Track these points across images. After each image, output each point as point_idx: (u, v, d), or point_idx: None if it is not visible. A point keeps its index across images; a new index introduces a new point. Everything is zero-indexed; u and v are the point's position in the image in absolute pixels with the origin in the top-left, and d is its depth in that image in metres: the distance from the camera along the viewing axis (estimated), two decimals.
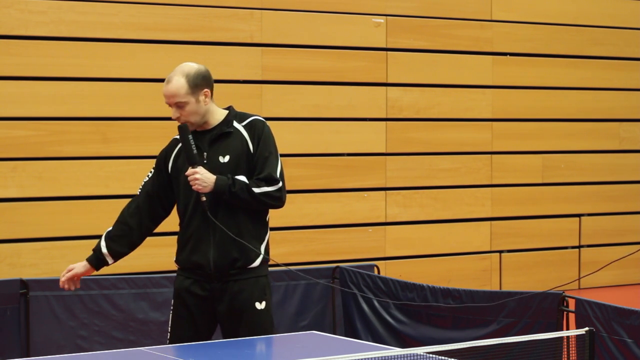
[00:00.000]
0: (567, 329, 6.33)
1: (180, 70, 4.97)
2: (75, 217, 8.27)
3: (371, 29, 9.62)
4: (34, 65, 8.15)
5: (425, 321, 7.15)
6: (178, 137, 5.09)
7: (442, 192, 9.99)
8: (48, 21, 8.20)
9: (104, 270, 8.16)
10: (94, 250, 5.33)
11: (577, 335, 4.37)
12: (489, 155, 10.25)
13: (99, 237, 5.31)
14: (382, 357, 3.98)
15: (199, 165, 4.92)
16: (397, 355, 3.94)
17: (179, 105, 4.95)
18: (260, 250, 5.01)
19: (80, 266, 5.36)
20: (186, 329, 5.03)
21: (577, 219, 10.75)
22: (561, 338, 4.80)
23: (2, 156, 8.05)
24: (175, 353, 4.64)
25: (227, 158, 4.98)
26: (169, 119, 8.45)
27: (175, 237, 5.16)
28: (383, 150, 9.68)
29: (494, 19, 10.28)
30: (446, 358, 4.12)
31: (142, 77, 8.55)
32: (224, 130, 5.02)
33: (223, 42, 8.88)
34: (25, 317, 6.98)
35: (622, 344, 5.94)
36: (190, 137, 4.95)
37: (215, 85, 5.09)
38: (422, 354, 3.97)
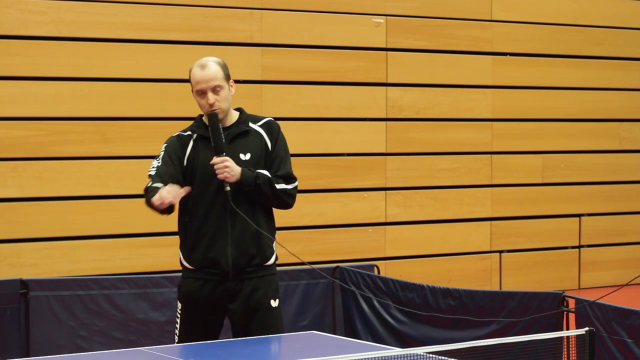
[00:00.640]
0: (567, 329, 6.33)
1: (209, 59, 5.03)
2: (75, 217, 8.27)
3: (371, 29, 9.61)
4: (34, 65, 8.15)
5: (425, 321, 7.15)
6: (185, 133, 5.08)
7: (442, 192, 9.99)
8: (48, 21, 8.20)
9: (104, 270, 8.22)
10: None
11: (577, 335, 4.37)
12: (489, 155, 10.25)
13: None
14: (382, 357, 3.98)
15: (225, 155, 4.94)
16: (397, 355, 3.94)
17: (216, 90, 4.98)
18: (274, 249, 5.08)
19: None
20: (196, 333, 5.00)
21: (577, 219, 10.75)
22: (561, 338, 4.80)
23: (2, 156, 8.05)
24: (175, 353, 4.64)
25: (248, 156, 5.02)
26: (169, 119, 8.52)
27: (176, 237, 5.14)
28: (383, 150, 9.67)
29: (494, 19, 10.28)
30: (446, 358, 4.12)
31: (142, 77, 8.55)
32: (243, 129, 5.06)
33: (223, 42, 8.87)
34: (25, 317, 6.98)
35: (622, 344, 5.94)
36: (220, 126, 4.96)
37: None
38: (422, 354, 3.97)
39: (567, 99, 10.70)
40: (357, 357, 3.84)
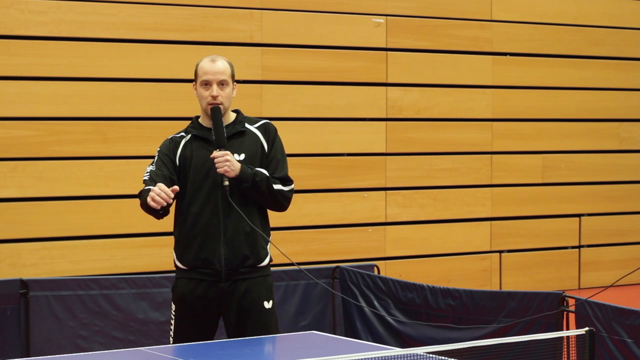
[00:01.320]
0: (567, 329, 6.34)
1: (220, 57, 5.08)
2: (75, 217, 8.27)
3: (371, 29, 9.62)
4: (34, 65, 8.15)
5: (425, 321, 7.15)
6: (177, 134, 5.09)
7: (442, 192, 9.99)
8: (48, 21, 8.20)
9: (104, 270, 8.22)
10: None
11: (577, 335, 4.37)
12: (489, 155, 10.25)
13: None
14: (382, 357, 3.98)
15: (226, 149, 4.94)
16: (397, 355, 3.94)
17: (222, 84, 5.00)
18: (267, 250, 5.07)
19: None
20: (191, 335, 5.00)
21: (577, 219, 10.75)
22: (561, 338, 4.80)
23: (2, 156, 8.05)
24: (175, 353, 4.63)
25: (242, 156, 5.02)
26: (169, 119, 8.52)
27: (175, 238, 5.13)
28: (383, 150, 9.68)
29: (494, 19, 10.28)
30: (446, 358, 4.12)
31: (142, 77, 8.55)
32: (238, 129, 5.06)
33: (223, 42, 8.87)
34: (25, 317, 6.98)
35: (622, 344, 5.94)
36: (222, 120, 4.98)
37: None
38: (422, 354, 3.97)
39: (567, 99, 10.70)
40: (357, 357, 3.84)
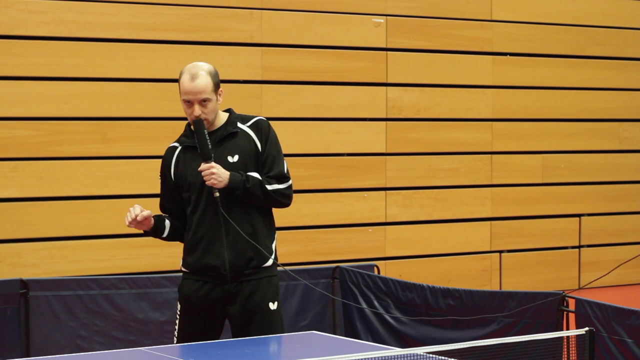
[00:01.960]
0: (567, 329, 6.34)
1: (201, 68, 4.99)
2: (75, 217, 8.27)
3: (371, 29, 9.61)
4: (34, 65, 8.15)
5: (425, 321, 7.15)
6: (174, 145, 5.10)
7: (442, 192, 9.99)
8: (48, 21, 8.20)
9: (104, 270, 8.22)
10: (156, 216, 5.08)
11: (577, 335, 4.37)
12: (489, 155, 10.25)
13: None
14: (382, 357, 3.98)
15: (212, 160, 4.93)
16: (397, 355, 3.94)
17: (204, 102, 4.95)
18: (272, 249, 5.05)
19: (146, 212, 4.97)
20: (195, 335, 5.00)
21: (577, 219, 10.75)
22: (561, 338, 4.80)
23: (2, 156, 8.05)
24: (175, 353, 4.64)
25: (235, 157, 5.00)
26: (169, 119, 8.52)
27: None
28: (383, 150, 9.67)
29: (494, 19, 10.28)
30: (446, 358, 4.12)
31: (142, 77, 8.55)
32: (230, 131, 5.03)
33: (223, 42, 8.87)
34: (25, 317, 6.98)
35: (622, 344, 5.94)
36: (206, 132, 4.95)
37: None
38: (422, 354, 3.97)
39: (567, 99, 10.70)
40: (357, 357, 3.84)
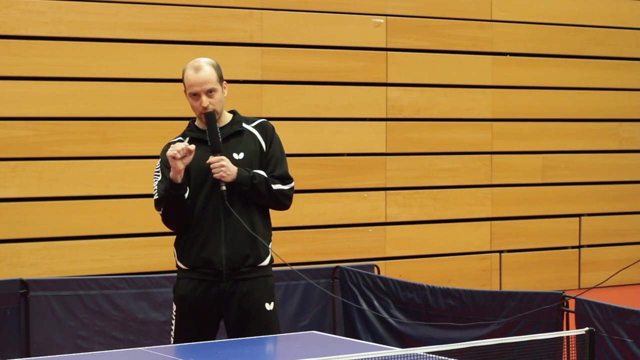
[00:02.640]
0: (567, 329, 6.33)
1: (204, 61, 5.01)
2: (75, 217, 8.27)
3: (371, 29, 9.62)
4: (34, 65, 8.15)
5: (425, 321, 7.15)
6: (176, 139, 5.09)
7: (442, 192, 9.99)
8: (48, 21, 8.20)
9: (104, 270, 8.22)
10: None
11: (577, 335, 4.37)
12: (489, 155, 10.25)
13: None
14: (382, 357, 3.98)
15: (222, 154, 4.94)
16: (397, 355, 3.94)
17: (210, 93, 4.97)
18: (269, 250, 5.05)
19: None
20: (191, 335, 5.00)
21: (577, 219, 10.75)
22: (561, 338, 4.80)
23: (2, 156, 8.05)
24: (175, 353, 4.64)
25: (241, 155, 5.02)
26: (169, 119, 8.52)
27: (175, 237, 5.13)
28: (383, 150, 9.67)
29: (494, 19, 10.28)
30: (446, 358, 4.12)
31: (142, 77, 8.56)
32: (236, 129, 5.06)
33: (223, 42, 8.88)
34: (25, 317, 6.98)
35: (622, 344, 5.94)
36: (217, 125, 4.96)
37: None
38: (422, 354, 3.97)
39: (567, 99, 10.70)
40: (357, 357, 3.84)
